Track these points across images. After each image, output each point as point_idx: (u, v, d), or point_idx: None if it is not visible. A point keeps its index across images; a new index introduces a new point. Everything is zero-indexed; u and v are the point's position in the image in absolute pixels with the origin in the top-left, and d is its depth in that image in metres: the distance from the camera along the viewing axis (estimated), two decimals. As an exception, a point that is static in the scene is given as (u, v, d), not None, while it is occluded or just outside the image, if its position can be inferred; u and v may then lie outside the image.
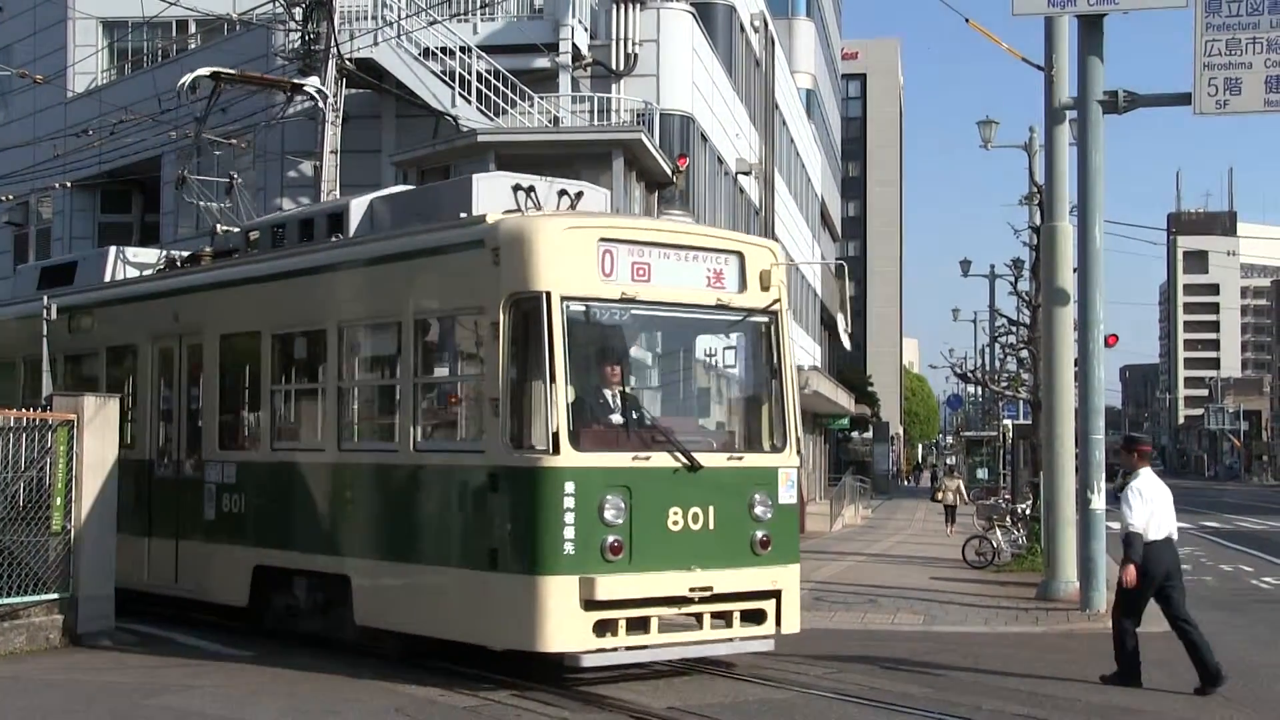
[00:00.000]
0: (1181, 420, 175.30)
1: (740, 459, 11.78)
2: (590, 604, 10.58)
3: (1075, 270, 17.65)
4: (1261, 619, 17.67)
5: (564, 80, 24.78)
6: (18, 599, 13.12)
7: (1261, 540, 34.15)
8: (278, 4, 24.03)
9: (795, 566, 11.90)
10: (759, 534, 11.47)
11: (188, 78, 20.63)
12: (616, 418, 11.38)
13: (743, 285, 11.85)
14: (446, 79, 23.75)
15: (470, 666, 11.67)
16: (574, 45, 24.75)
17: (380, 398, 13.02)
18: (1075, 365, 17.60)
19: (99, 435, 13.72)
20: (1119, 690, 11.50)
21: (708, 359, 12.89)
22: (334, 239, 13.46)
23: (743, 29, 33.70)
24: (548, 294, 10.76)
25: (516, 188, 12.31)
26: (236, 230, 15.87)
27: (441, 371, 12.49)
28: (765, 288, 11.92)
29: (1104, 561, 16.99)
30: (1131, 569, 11.36)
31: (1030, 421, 29.16)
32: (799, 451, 12.05)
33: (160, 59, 31.98)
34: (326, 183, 23.21)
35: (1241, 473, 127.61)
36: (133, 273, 17.16)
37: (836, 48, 67.93)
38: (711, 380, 13.07)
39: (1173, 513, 11.83)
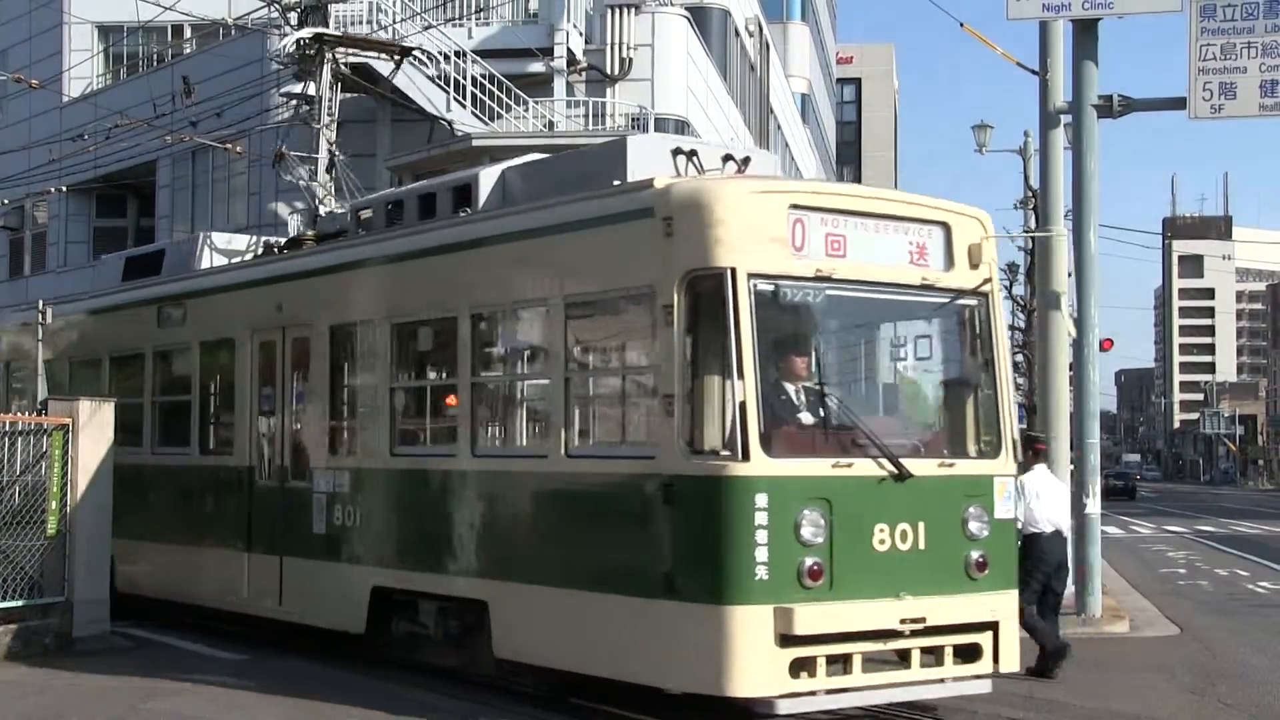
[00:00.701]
0: (1177, 424, 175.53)
1: (952, 465, 10.05)
2: (787, 639, 8.97)
3: (1070, 274, 17.68)
4: (1257, 623, 17.69)
5: (559, 85, 24.80)
6: (12, 603, 13.11)
7: (1256, 544, 34.19)
8: (273, 8, 24.03)
9: (1013, 593, 10.23)
10: (974, 555, 9.82)
11: (289, 39, 20.42)
12: (807, 417, 9.80)
13: (950, 261, 10.21)
14: (441, 84, 23.76)
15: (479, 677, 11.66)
16: (569, 50, 24.77)
17: (523, 395, 11.46)
18: (1070, 369, 17.62)
19: (94, 439, 13.71)
20: (1116, 694, 11.52)
21: (908, 348, 11.16)
22: (461, 214, 11.88)
23: (737, 33, 33.73)
24: (733, 271, 9.15)
25: (676, 151, 10.69)
26: (340, 210, 14.61)
27: (598, 364, 10.95)
28: (975, 264, 10.28)
29: (1099, 566, 16.99)
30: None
31: (1025, 425, 29.17)
32: (1016, 457, 10.52)
33: (155, 64, 31.98)
34: (321, 188, 23.23)
35: (1237, 477, 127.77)
36: (224, 261, 15.88)
37: (831, 52, 68.00)
38: (912, 373, 11.31)
39: (1066, 508, 13.02)
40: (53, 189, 31.36)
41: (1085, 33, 16.89)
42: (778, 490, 9.08)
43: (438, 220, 12.10)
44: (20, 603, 13.16)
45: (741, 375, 9.05)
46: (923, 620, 9.39)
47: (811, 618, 8.99)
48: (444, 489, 11.38)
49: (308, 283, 13.35)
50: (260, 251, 15.65)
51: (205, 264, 15.74)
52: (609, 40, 25.52)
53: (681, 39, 26.46)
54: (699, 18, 28.46)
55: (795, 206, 9.54)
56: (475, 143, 21.10)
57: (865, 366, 11.17)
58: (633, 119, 24.73)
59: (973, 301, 10.36)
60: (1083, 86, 16.87)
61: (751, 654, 8.95)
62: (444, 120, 23.70)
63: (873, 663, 9.51)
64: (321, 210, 15.34)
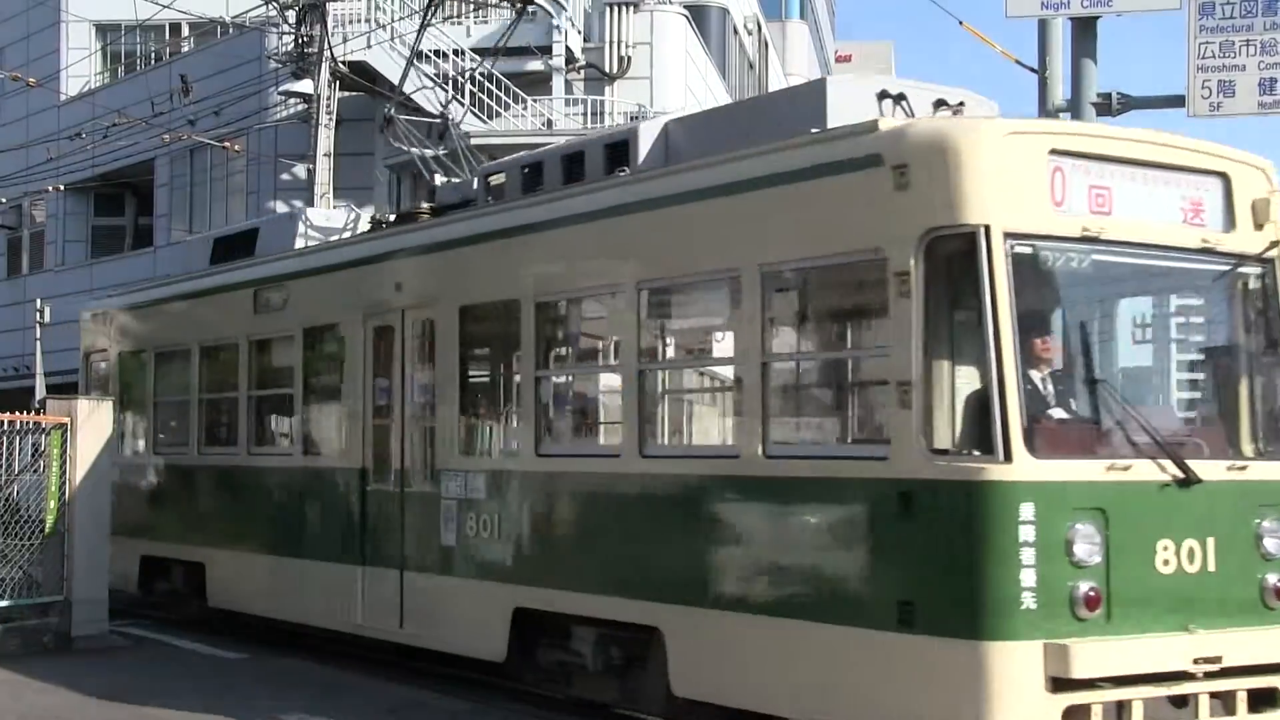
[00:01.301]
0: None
1: (1244, 469, 8.24)
2: (1059, 683, 7.29)
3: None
4: None
5: (557, 83, 24.80)
6: (11, 602, 13.10)
7: None
8: (271, 7, 24.02)
9: None
10: (1272, 579, 8.07)
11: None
12: (1071, 408, 8.24)
13: (1230, 220, 8.47)
14: (440, 82, 23.73)
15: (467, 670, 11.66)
16: (567, 48, 24.77)
17: (704, 384, 10.28)
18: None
19: (92, 438, 13.70)
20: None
21: (1176, 324, 9.51)
22: (618, 174, 10.21)
23: (736, 31, 33.73)
24: (986, 229, 7.53)
25: (883, 95, 9.05)
26: (458, 181, 13.10)
27: (806, 345, 9.38)
28: (1259, 224, 8.52)
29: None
30: None
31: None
32: None
33: (153, 62, 31.96)
34: (320, 185, 23.23)
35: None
36: (322, 239, 14.28)
37: (830, 50, 67.97)
38: (1185, 354, 9.57)
39: None
40: (51, 188, 31.36)
41: (1084, 31, 16.90)
42: (1046, 499, 7.44)
43: (589, 183, 10.41)
44: (18, 602, 13.16)
45: (1000, 358, 7.44)
46: (1218, 659, 7.69)
47: (1090, 656, 7.29)
48: (605, 495, 9.69)
49: (433, 258, 11.61)
50: (369, 228, 14.22)
51: (303, 243, 14.20)
52: (607, 38, 25.51)
53: (680, 37, 26.44)
54: (697, 16, 28.45)
55: (1055, 152, 7.93)
56: (473, 141, 21.04)
57: (1128, 347, 9.35)
58: (631, 117, 24.70)
59: (1257, 269, 8.58)
60: (1082, 84, 16.88)
61: (1017, 701, 7.27)
62: (442, 119, 23.63)
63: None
64: (437, 179, 13.53)
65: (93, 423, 13.73)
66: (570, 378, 10.97)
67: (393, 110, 16.18)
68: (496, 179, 11.81)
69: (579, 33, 25.33)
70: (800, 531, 8.37)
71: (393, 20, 24.17)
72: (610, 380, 10.34)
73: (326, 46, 23.20)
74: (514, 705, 10.61)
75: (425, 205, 12.79)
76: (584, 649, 9.86)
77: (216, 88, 25.90)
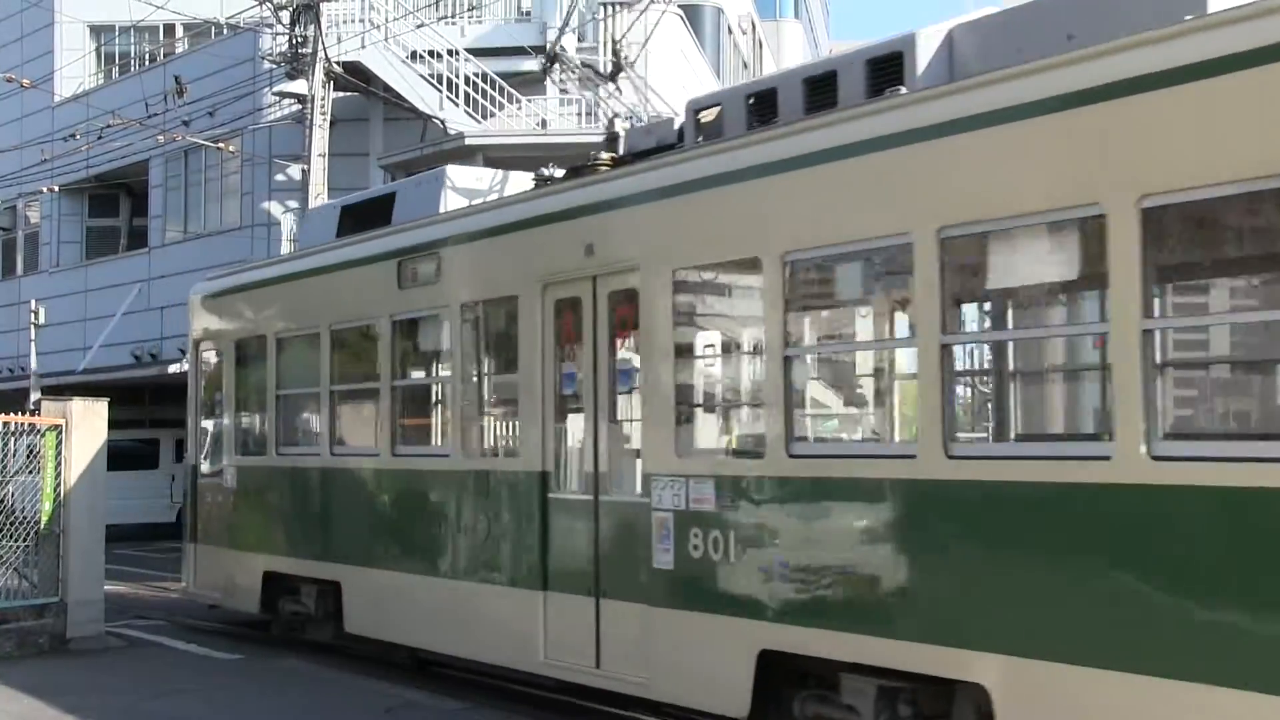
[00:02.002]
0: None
1: None
2: None
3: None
4: None
5: (552, 83, 24.76)
6: (6, 603, 13.09)
7: None
8: (265, 7, 24.01)
9: None
10: None
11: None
12: None
13: None
14: (434, 82, 23.75)
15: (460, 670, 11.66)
16: (562, 48, 24.72)
17: (1049, 358, 8.34)
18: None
19: (87, 439, 13.70)
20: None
21: None
22: (887, 94, 7.99)
23: (730, 31, 33.71)
24: None
25: None
26: (653, 121, 11.36)
27: (1218, 302, 7.43)
28: None
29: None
30: None
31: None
32: None
33: (147, 63, 31.94)
34: (314, 186, 23.22)
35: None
36: (460, 202, 12.22)
37: (824, 49, 68.00)
38: None
39: None
40: (45, 189, 31.32)
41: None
42: None
43: (847, 108, 8.24)
44: (14, 603, 13.16)
45: None
46: None
47: None
48: (894, 509, 7.53)
49: (638, 213, 9.38)
50: (534, 184, 11.71)
51: (449, 207, 12.17)
52: (602, 38, 25.48)
53: (675, 37, 26.44)
54: (692, 15, 28.44)
55: None
56: (468, 141, 21.10)
57: None
58: (626, 117, 24.68)
59: None
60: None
61: None
62: (437, 119, 23.68)
63: None
64: (618, 126, 11.56)
65: (87, 424, 13.73)
66: (832, 355, 9.22)
67: (559, 47, 15.55)
68: (709, 114, 9.69)
69: (573, 32, 25.30)
70: (1210, 557, 6.10)
71: (386, 21, 24.15)
72: (903, 359, 8.27)
73: (320, 47, 23.19)
74: (510, 705, 10.61)
75: (605, 156, 10.64)
76: (863, 706, 7.68)
77: (211, 88, 25.88)
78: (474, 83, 23.80)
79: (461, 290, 11.09)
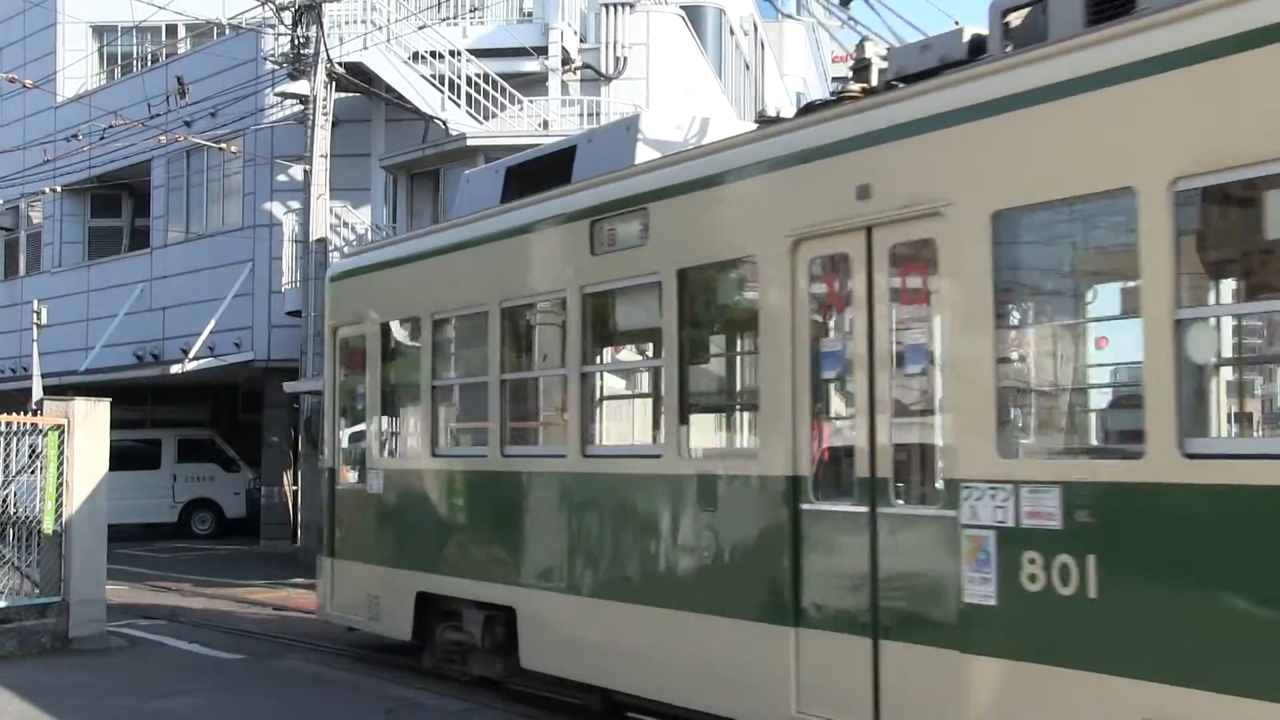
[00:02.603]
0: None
1: None
2: None
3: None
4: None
5: (554, 84, 24.80)
6: (8, 603, 13.11)
7: None
8: (267, 8, 24.04)
9: None
10: None
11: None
12: None
13: None
14: (436, 83, 23.77)
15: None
16: (563, 49, 24.77)
17: None
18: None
19: (90, 439, 13.71)
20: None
21: None
22: None
23: (732, 32, 33.73)
24: None
25: None
26: (932, 37, 8.43)
27: None
28: None
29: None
30: None
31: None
32: None
33: (149, 64, 31.98)
34: (316, 186, 23.25)
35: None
36: (653, 154, 10.06)
37: (826, 50, 68.02)
38: None
39: None
40: (47, 189, 31.36)
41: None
42: None
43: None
44: (16, 603, 13.18)
45: None
46: None
47: None
48: None
49: (949, 139, 7.23)
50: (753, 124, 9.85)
51: (642, 159, 10.12)
52: (604, 39, 25.51)
53: (676, 38, 26.45)
54: (694, 16, 28.45)
55: None
56: (470, 142, 21.11)
57: None
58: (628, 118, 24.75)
59: None
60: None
61: None
62: (438, 120, 23.70)
63: None
64: (869, 50, 8.98)
65: (90, 424, 13.74)
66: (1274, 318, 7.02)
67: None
68: (1018, 16, 7.55)
69: (575, 33, 25.33)
70: None
71: (389, 22, 24.17)
72: None
73: (322, 48, 23.22)
74: (510, 706, 10.62)
75: (855, 87, 8.61)
76: None
77: (213, 89, 25.92)
78: (476, 83, 23.82)
79: (677, 253, 8.94)
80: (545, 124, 24.22)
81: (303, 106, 24.13)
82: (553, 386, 10.64)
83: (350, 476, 12.90)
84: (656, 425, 9.75)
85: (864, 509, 7.49)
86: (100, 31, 33.40)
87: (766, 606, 8.01)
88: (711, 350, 9.55)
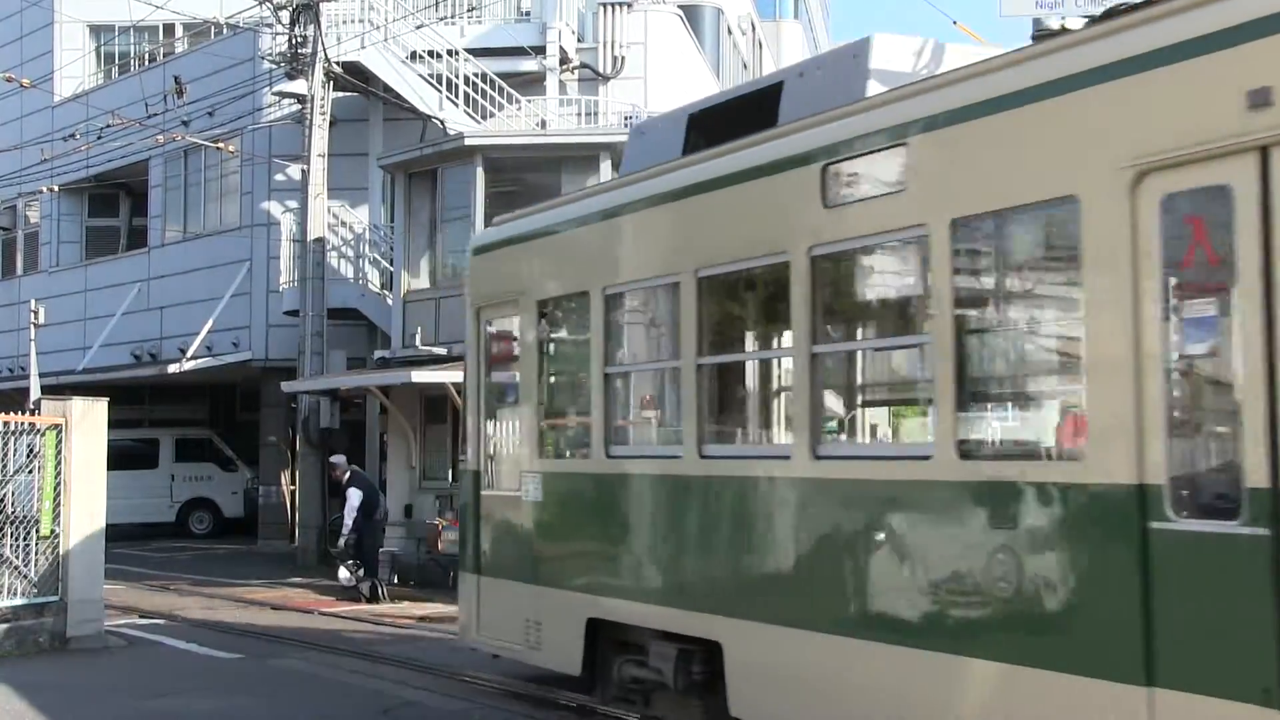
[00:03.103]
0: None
1: None
2: None
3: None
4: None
5: (551, 83, 24.79)
6: (6, 602, 13.10)
7: None
8: (265, 7, 24.02)
9: None
10: None
11: None
12: None
13: None
14: (433, 82, 23.76)
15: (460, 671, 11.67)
16: (561, 48, 24.76)
17: None
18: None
19: (88, 439, 13.69)
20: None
21: None
22: None
23: (730, 31, 33.73)
24: None
25: None
26: None
27: None
28: None
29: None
30: None
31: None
32: None
33: (147, 63, 31.96)
34: (314, 186, 23.24)
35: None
36: (883, 89, 8.07)
37: (824, 50, 68.08)
38: None
39: None
40: (45, 189, 31.32)
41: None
42: None
43: None
44: (14, 602, 13.17)
45: None
46: None
47: None
48: None
49: None
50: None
51: (875, 90, 8.16)
52: (601, 38, 25.50)
53: (674, 37, 26.44)
54: (692, 16, 28.46)
55: None
56: (468, 141, 21.08)
57: None
58: (625, 117, 24.72)
59: None
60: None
61: None
62: (436, 119, 23.69)
63: None
64: None
65: (87, 423, 13.73)
66: None
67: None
68: None
69: (573, 33, 25.33)
70: None
71: (387, 21, 24.16)
72: None
73: (320, 47, 23.21)
74: (508, 705, 10.62)
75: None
76: None
77: (210, 88, 25.90)
78: (473, 83, 23.81)
79: (950, 198, 7.04)
80: (543, 123, 24.22)
81: (300, 106, 24.12)
82: (768, 371, 8.99)
83: (501, 481, 10.94)
84: (921, 417, 7.97)
85: (1261, 531, 5.46)
86: (98, 31, 33.38)
87: (1099, 656, 6.06)
88: (999, 320, 7.23)
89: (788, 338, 8.09)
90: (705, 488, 8.63)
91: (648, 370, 9.97)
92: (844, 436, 8.64)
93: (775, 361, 8.90)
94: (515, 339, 10.88)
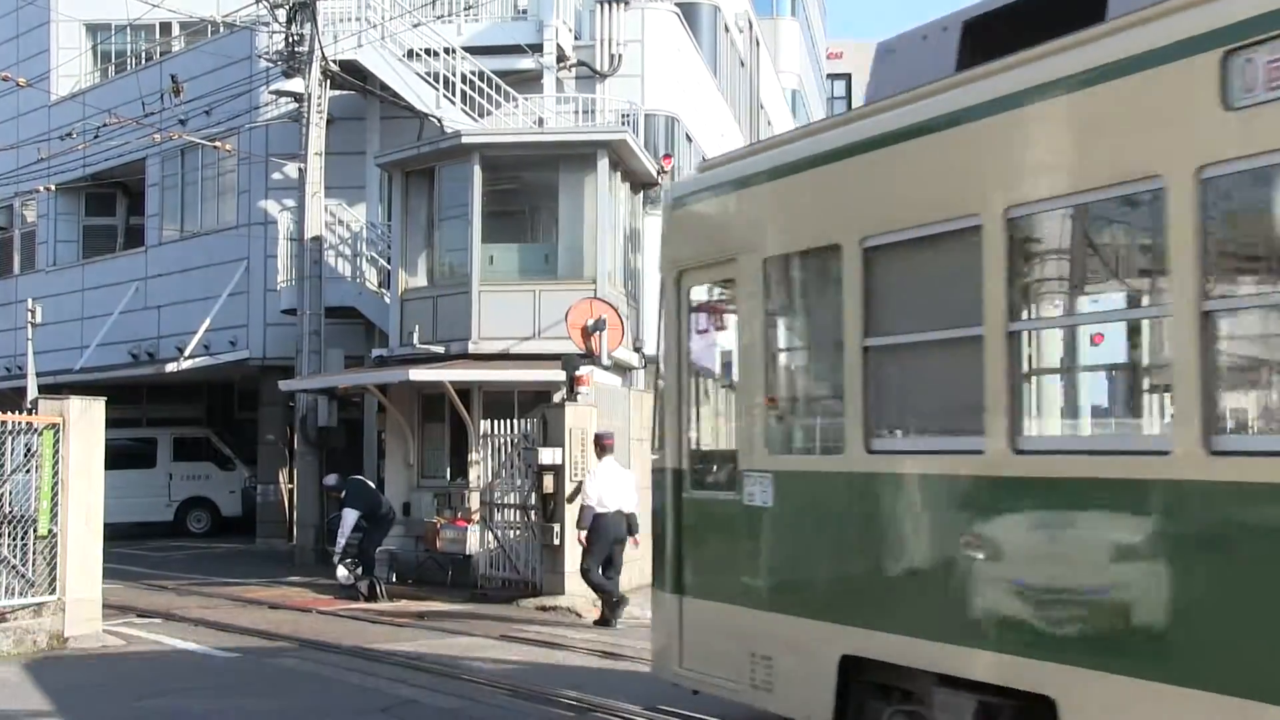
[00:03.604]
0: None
1: None
2: None
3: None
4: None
5: (548, 81, 24.78)
6: (4, 602, 13.09)
7: None
8: (261, 6, 23.99)
9: None
10: None
11: None
12: None
13: None
14: (430, 80, 23.75)
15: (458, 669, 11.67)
16: (558, 46, 24.74)
17: None
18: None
19: (85, 438, 13.68)
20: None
21: None
22: None
23: (727, 29, 33.73)
24: None
25: None
26: None
27: None
28: None
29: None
30: (581, 533, 15.19)
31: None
32: None
33: (143, 62, 31.94)
34: (311, 184, 23.23)
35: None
36: None
37: (821, 47, 68.06)
38: None
39: (627, 493, 15.27)
40: (41, 188, 31.29)
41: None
42: None
43: None
44: (12, 602, 13.16)
45: None
46: None
47: None
48: None
49: None
50: None
51: None
52: (598, 36, 25.48)
53: (671, 35, 26.44)
54: (689, 14, 28.45)
55: None
56: (465, 139, 21.07)
57: None
58: (623, 115, 24.71)
59: None
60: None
61: None
62: (433, 117, 23.67)
63: None
64: None
65: (85, 423, 13.72)
66: None
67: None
68: None
69: (570, 30, 25.31)
70: None
71: (383, 19, 24.14)
72: None
73: (317, 45, 23.19)
74: (505, 703, 10.61)
75: None
76: None
77: (207, 87, 25.88)
78: (470, 81, 23.79)
79: None
80: (540, 121, 24.22)
81: (297, 104, 24.10)
82: (1128, 335, 6.91)
83: (711, 481, 9.04)
84: None
85: None
86: (94, 29, 33.36)
87: None
88: None
89: (1170, 293, 5.83)
90: (1020, 493, 6.58)
91: (932, 340, 7.32)
92: (1249, 424, 6.04)
93: (1139, 323, 6.76)
94: (731, 307, 8.83)
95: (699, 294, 9.17)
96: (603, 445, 15.70)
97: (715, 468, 9.04)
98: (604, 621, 14.90)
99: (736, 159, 9.05)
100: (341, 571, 17.81)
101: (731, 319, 8.82)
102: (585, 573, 15.20)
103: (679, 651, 8.98)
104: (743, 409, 8.50)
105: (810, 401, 8.42)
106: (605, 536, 15.03)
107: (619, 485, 15.32)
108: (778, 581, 8.14)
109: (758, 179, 8.54)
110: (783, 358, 8.63)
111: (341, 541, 17.80)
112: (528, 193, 22.51)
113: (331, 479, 18.89)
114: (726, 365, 9.04)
